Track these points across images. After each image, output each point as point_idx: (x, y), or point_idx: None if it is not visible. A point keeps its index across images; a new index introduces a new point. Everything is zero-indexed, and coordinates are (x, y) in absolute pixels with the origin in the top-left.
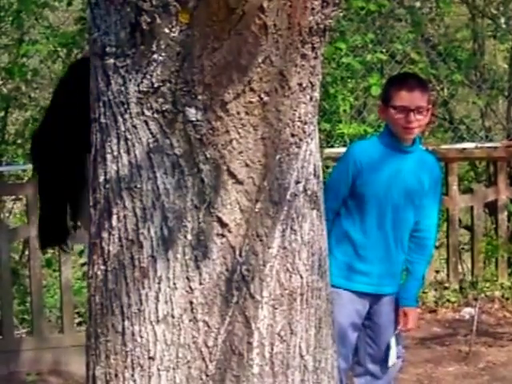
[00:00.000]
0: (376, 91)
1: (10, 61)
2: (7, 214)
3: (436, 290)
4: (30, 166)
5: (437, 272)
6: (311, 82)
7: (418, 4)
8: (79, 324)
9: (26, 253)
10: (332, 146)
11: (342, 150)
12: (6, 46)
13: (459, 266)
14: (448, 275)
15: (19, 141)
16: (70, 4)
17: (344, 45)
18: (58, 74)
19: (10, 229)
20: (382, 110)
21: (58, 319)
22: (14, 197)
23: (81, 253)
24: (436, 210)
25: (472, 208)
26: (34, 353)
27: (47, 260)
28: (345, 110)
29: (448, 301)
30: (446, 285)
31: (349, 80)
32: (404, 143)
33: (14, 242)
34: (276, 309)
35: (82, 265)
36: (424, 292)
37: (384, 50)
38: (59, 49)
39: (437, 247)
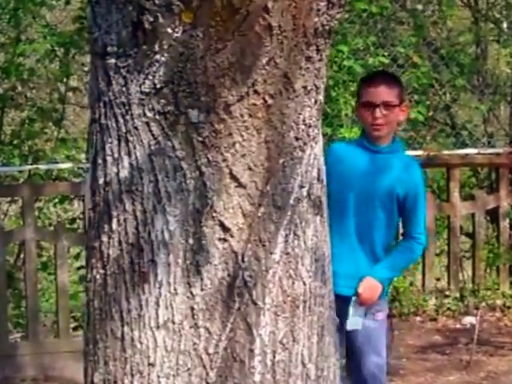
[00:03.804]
0: None
1: (7, 60)
2: (2, 216)
3: (436, 298)
4: (26, 167)
5: (437, 280)
6: (316, 85)
7: (420, 7)
8: (75, 329)
9: (21, 256)
10: None
11: None
12: (3, 45)
13: (460, 274)
14: (449, 283)
15: (15, 141)
16: (67, 3)
17: (346, 47)
18: (55, 74)
19: (5, 231)
20: (356, 111)
21: (53, 324)
22: (9, 198)
23: (77, 256)
24: (422, 217)
25: (473, 215)
26: (29, 358)
27: (43, 263)
28: (346, 114)
29: (449, 309)
30: (447, 293)
31: (350, 83)
32: (376, 143)
33: (9, 244)
34: (278, 316)
35: (78, 268)
36: (424, 300)
37: (386, 54)
38: (56, 48)
39: (437, 254)
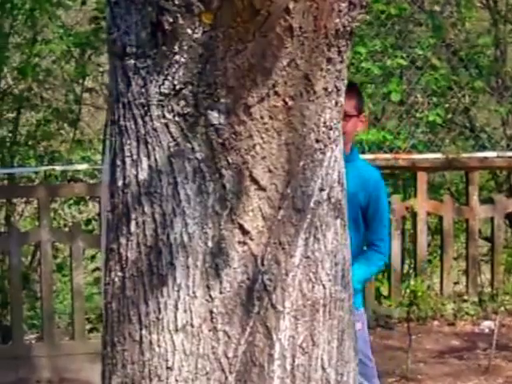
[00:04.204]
0: (396, 97)
1: (23, 60)
2: (17, 217)
3: (455, 302)
4: (41, 168)
5: (455, 284)
6: (337, 87)
7: (437, 8)
8: (90, 331)
9: (37, 257)
10: None
11: (361, 156)
12: (19, 46)
13: (478, 278)
14: (467, 287)
15: (31, 142)
16: (84, 3)
17: (363, 49)
18: (71, 75)
19: (21, 232)
20: None
21: (68, 325)
22: (25, 199)
23: (92, 258)
24: (383, 224)
25: (492, 218)
26: (44, 359)
27: (58, 265)
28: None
29: (467, 314)
30: (465, 297)
31: (368, 85)
32: None
33: (24, 245)
34: (298, 320)
35: (93, 270)
36: (442, 304)
37: (404, 55)
38: (73, 49)
39: (455, 258)
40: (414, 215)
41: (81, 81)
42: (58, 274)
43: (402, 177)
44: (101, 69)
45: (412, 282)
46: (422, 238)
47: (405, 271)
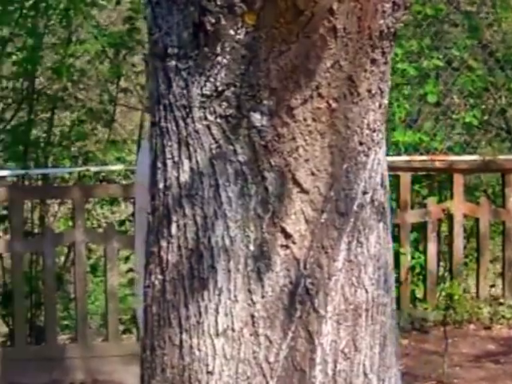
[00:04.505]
0: (432, 98)
1: (57, 60)
2: (52, 218)
3: (491, 305)
4: (76, 169)
5: (491, 287)
6: (380, 89)
7: (473, 9)
8: (123, 332)
9: (70, 258)
10: (386, 155)
11: (397, 158)
12: (53, 46)
13: None
14: (503, 290)
15: (65, 143)
16: (118, 3)
17: (400, 50)
18: (105, 75)
19: (55, 233)
20: None
21: (100, 326)
22: (59, 200)
23: (126, 259)
24: None
25: None
26: (77, 361)
27: (92, 266)
28: (400, 118)
29: (503, 317)
30: (501, 300)
31: (404, 86)
32: None
33: (58, 246)
34: (340, 324)
35: (127, 271)
36: (479, 308)
37: (440, 56)
38: (107, 49)
39: (491, 261)
40: (450, 217)
41: (115, 81)
42: (91, 275)
43: (437, 179)
44: (135, 69)
45: (447, 285)
46: (459, 241)
47: (440, 274)
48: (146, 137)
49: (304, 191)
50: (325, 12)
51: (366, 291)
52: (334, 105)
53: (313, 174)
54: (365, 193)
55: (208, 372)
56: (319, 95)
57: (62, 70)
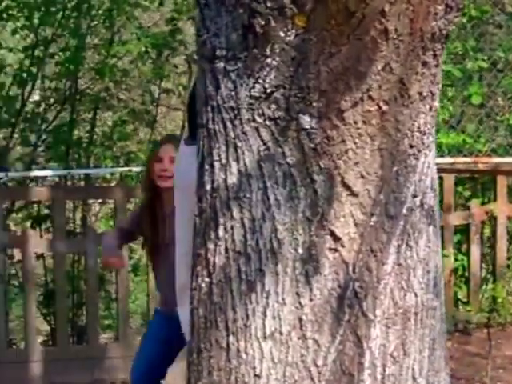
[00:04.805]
0: (476, 100)
1: (100, 61)
2: (93, 218)
3: None
4: (118, 169)
5: None
6: (431, 91)
7: None
8: None
9: None
10: None
11: (440, 160)
12: (96, 46)
13: None
14: None
15: (106, 143)
16: (161, 4)
17: (444, 51)
18: (148, 76)
19: (97, 233)
20: None
21: (141, 326)
22: (100, 200)
23: None
24: None
25: None
26: (119, 360)
27: (133, 265)
28: (443, 119)
29: None
30: None
31: (449, 88)
32: None
33: (100, 246)
34: (389, 328)
35: None
36: None
37: (485, 58)
38: (150, 50)
39: None
40: (494, 219)
41: (157, 82)
42: (131, 274)
43: (481, 181)
44: (177, 70)
45: (491, 287)
46: (502, 243)
47: (483, 276)
48: (182, 140)
49: (353, 194)
50: (376, 14)
51: (416, 295)
52: (384, 107)
53: (362, 176)
54: (415, 196)
55: (255, 375)
56: (370, 98)
57: (104, 70)
